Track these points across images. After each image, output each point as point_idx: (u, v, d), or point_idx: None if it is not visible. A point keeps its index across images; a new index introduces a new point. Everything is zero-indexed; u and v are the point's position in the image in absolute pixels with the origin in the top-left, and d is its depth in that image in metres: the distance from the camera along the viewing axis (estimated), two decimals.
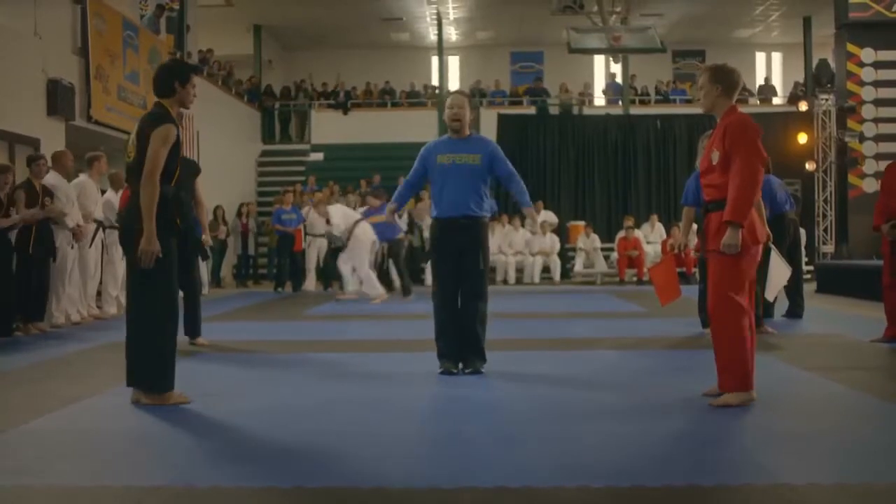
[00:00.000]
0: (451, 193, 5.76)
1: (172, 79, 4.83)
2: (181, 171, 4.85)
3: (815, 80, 19.16)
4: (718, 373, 4.64)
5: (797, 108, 19.08)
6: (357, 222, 12.23)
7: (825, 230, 18.15)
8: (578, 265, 17.50)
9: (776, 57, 25.89)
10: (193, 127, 15.33)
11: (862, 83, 17.55)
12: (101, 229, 9.76)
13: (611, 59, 21.82)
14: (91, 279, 9.83)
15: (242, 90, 21.34)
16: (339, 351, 7.09)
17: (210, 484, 3.28)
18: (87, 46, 12.68)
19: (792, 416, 4.43)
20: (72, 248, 9.08)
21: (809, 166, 17.95)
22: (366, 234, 12.16)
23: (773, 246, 6.89)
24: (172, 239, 4.75)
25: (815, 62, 19.98)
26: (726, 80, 4.68)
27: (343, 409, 4.72)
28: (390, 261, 13.78)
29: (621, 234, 17.02)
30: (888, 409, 4.61)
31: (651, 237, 17.33)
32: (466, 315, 5.78)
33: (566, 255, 18.04)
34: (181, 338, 5.83)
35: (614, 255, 17.22)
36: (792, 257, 8.36)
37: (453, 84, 24.38)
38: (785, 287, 8.06)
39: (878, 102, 17.51)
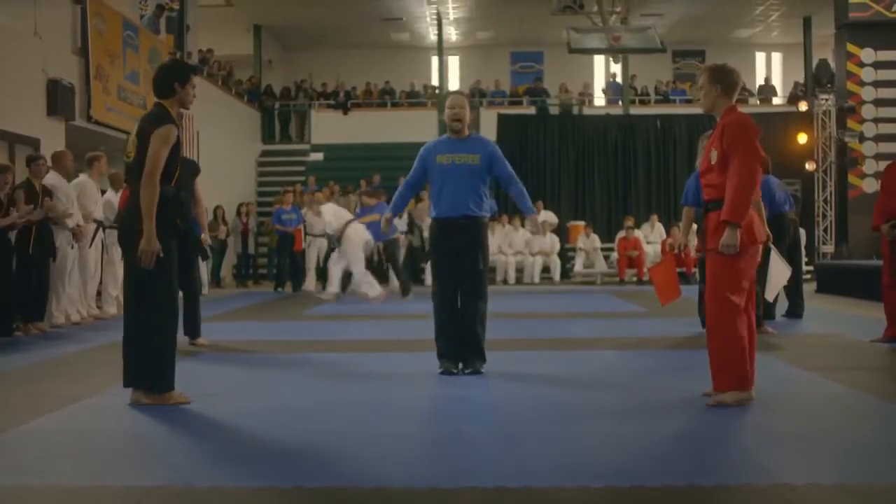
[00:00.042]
0: (451, 194, 5.75)
1: (172, 79, 4.82)
2: (181, 172, 4.85)
3: (815, 81, 19.16)
4: (713, 373, 4.61)
5: (797, 108, 19.09)
6: (349, 223, 12.14)
7: (825, 230, 18.15)
8: (578, 265, 17.50)
9: (776, 57, 25.88)
10: (193, 127, 15.32)
11: (862, 83, 17.55)
12: (100, 229, 9.77)
13: (611, 59, 21.84)
14: (91, 279, 9.83)
15: (242, 90, 21.34)
16: (339, 351, 7.09)
17: (210, 484, 3.28)
18: (87, 46, 12.68)
19: (792, 416, 4.43)
20: (72, 248, 9.08)
21: (809, 166, 17.95)
22: (357, 234, 12.05)
23: (772, 246, 6.89)
24: (172, 239, 4.75)
25: (815, 62, 19.98)
26: (726, 80, 4.68)
27: (343, 409, 4.72)
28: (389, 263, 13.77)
29: (621, 234, 17.01)
30: (888, 409, 4.61)
31: (651, 237, 17.33)
32: (466, 315, 5.78)
33: (566, 255, 18.03)
34: (181, 338, 5.84)
35: (614, 255, 17.21)
36: (792, 257, 8.36)
37: (453, 84, 24.36)
38: (785, 287, 8.06)
39: (878, 102, 17.51)
